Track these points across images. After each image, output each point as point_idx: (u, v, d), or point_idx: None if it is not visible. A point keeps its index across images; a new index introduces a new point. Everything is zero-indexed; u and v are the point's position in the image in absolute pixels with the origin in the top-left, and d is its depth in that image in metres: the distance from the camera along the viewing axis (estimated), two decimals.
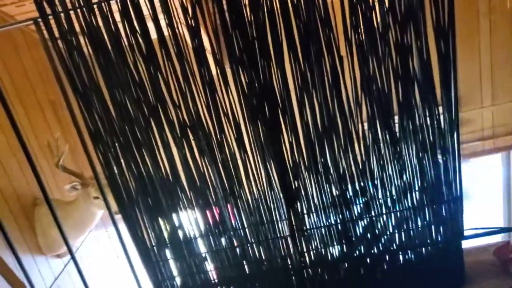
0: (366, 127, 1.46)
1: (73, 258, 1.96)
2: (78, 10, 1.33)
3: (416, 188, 1.56)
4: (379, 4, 1.29)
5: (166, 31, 1.36)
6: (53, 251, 3.18)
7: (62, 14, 1.34)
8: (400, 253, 1.67)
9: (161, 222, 1.64)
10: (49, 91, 3.59)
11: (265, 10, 1.32)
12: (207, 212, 1.64)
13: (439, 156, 1.49)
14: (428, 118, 1.42)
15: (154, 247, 1.68)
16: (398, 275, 1.71)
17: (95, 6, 1.33)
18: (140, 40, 1.37)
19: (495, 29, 4.03)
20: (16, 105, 3.00)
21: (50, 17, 1.34)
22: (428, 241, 1.65)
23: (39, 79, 3.49)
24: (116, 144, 1.50)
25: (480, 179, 4.84)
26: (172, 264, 1.73)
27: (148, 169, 1.54)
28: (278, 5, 1.32)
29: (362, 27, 1.31)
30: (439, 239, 1.65)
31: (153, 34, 1.37)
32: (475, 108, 4.34)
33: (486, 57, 4.16)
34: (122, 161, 1.53)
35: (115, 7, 1.34)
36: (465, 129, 4.40)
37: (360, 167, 1.52)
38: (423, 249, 1.67)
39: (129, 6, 1.33)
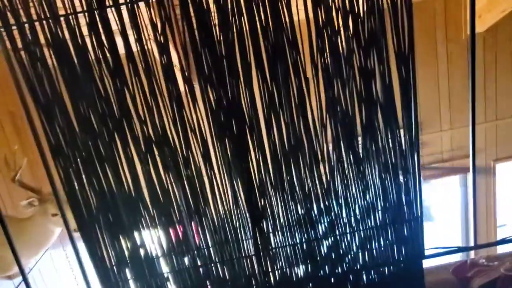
0: (331, 148, 1.50)
1: (25, 280, 1.85)
2: (44, 21, 1.30)
3: (379, 208, 1.59)
4: (344, 29, 1.34)
5: (134, 47, 1.35)
6: (3, 271, 3.00)
7: (26, 25, 1.30)
8: (364, 272, 1.70)
9: (122, 240, 1.59)
10: (9, 102, 3.45)
11: (234, 30, 1.34)
12: (170, 230, 1.61)
13: (401, 177, 1.54)
14: (390, 140, 1.47)
15: (114, 267, 1.62)
16: None
17: (61, 18, 1.31)
18: (108, 54, 1.35)
19: (452, 57, 4.27)
20: None
21: (14, 27, 1.30)
22: (390, 260, 1.68)
23: None
24: (78, 158, 1.45)
25: (440, 200, 5.02)
26: (132, 285, 1.67)
27: (110, 185, 1.49)
28: (247, 26, 1.35)
29: (327, 51, 1.35)
30: (401, 259, 1.68)
31: (121, 49, 1.36)
32: (434, 132, 4.54)
33: (444, 83, 4.38)
34: (83, 176, 1.48)
35: (82, 21, 1.32)
36: (425, 151, 4.58)
37: (325, 186, 1.54)
38: (386, 268, 1.70)
39: (97, 20, 1.31)
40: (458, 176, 4.76)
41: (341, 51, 1.36)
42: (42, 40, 1.33)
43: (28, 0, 1.29)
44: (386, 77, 1.38)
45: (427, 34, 4.11)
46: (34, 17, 1.30)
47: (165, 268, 1.65)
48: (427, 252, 1.73)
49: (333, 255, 1.65)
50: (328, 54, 1.35)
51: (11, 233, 1.78)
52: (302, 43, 1.36)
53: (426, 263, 1.78)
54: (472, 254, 3.90)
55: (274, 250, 1.64)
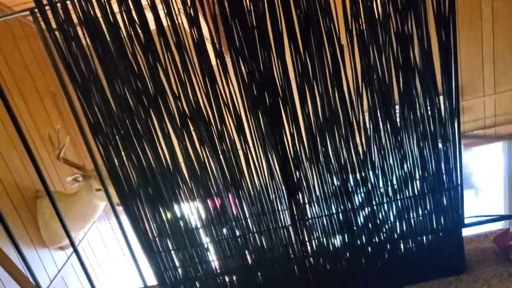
0: (367, 117, 1.46)
1: (75, 250, 1.98)
2: (76, 0, 1.32)
3: (417, 177, 1.56)
4: None
5: (165, 22, 1.35)
6: (56, 243, 3.20)
7: (58, 4, 1.33)
8: (401, 242, 1.68)
9: (162, 213, 1.65)
10: (49, 83, 3.58)
11: None
12: (209, 202, 1.65)
13: (440, 145, 1.49)
14: (429, 107, 1.42)
15: (156, 238, 1.69)
16: (399, 264, 1.72)
17: None
18: (139, 30, 1.36)
19: (497, 18, 4.00)
20: (16, 97, 2.99)
21: (47, 7, 1.33)
22: (429, 229, 1.65)
23: (38, 71, 3.49)
24: (116, 135, 1.50)
25: (482, 167, 4.84)
26: (174, 254, 1.74)
27: (148, 160, 1.54)
28: None
29: (362, 16, 1.29)
30: (440, 228, 1.65)
31: (152, 25, 1.36)
32: (477, 97, 4.32)
33: (488, 46, 4.13)
34: (122, 152, 1.53)
35: None
36: (467, 117, 4.39)
37: (361, 157, 1.52)
38: (424, 237, 1.68)
39: None
40: (501, 143, 4.55)
41: (376, 16, 1.30)
42: (75, 19, 1.35)
43: None
44: (425, 41, 1.32)
45: None
46: None
47: (204, 239, 1.70)
48: (467, 221, 1.69)
49: (370, 225, 1.65)
50: (363, 19, 1.30)
51: (60, 208, 1.89)
52: (336, 9, 1.31)
53: (466, 232, 1.74)
54: None
55: (310, 220, 1.65)
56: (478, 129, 4.44)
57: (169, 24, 1.35)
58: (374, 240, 1.68)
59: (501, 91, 4.27)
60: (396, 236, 1.67)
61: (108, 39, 1.37)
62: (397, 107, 1.43)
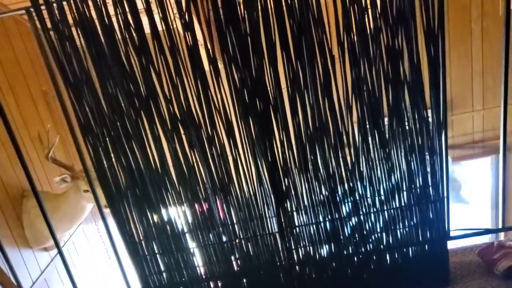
0: (356, 128, 1.48)
1: (60, 252, 1.96)
2: (71, 0, 1.32)
3: (404, 189, 1.58)
4: (371, 7, 1.30)
5: (159, 26, 1.36)
6: (40, 244, 3.16)
7: (55, 4, 1.33)
8: (388, 253, 1.69)
9: (149, 216, 1.64)
10: (42, 82, 3.56)
11: (259, 7, 1.33)
12: (196, 207, 1.65)
13: (427, 157, 1.51)
14: (417, 120, 1.44)
15: (142, 241, 1.68)
16: (384, 275, 1.73)
17: None
18: (133, 33, 1.37)
19: (486, 35, 4.09)
20: (7, 95, 2.97)
21: (43, 7, 1.33)
22: (415, 241, 1.67)
23: (31, 69, 3.47)
24: (106, 136, 1.50)
25: (470, 181, 4.90)
26: (159, 258, 1.73)
27: (137, 163, 1.54)
28: (272, 3, 1.33)
29: (354, 29, 1.32)
30: (426, 239, 1.67)
31: (147, 29, 1.37)
32: (466, 112, 4.40)
33: (477, 62, 4.21)
34: (112, 154, 1.53)
35: (109, 0, 1.34)
36: (456, 132, 4.46)
37: (350, 167, 1.53)
38: (410, 249, 1.70)
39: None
40: (490, 158, 4.62)
41: (368, 29, 1.32)
42: (70, 20, 1.36)
43: None
44: (414, 56, 1.35)
45: (462, 10, 3.94)
46: None
47: (191, 243, 1.70)
48: (452, 233, 1.71)
49: (356, 235, 1.66)
50: (354, 32, 1.32)
51: (46, 208, 1.87)
52: (328, 20, 1.33)
53: (452, 245, 1.76)
54: (502, 237, 3.82)
55: (297, 228, 1.66)
56: (467, 143, 4.51)
57: (164, 28, 1.37)
58: (360, 251, 1.69)
59: (490, 107, 4.35)
60: (382, 247, 1.68)
61: (103, 40, 1.37)
62: (386, 119, 1.46)
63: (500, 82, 1.44)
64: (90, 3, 1.33)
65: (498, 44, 4.08)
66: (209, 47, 1.38)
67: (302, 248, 1.71)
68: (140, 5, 1.34)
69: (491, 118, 4.39)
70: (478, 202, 4.95)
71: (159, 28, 1.37)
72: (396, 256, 1.71)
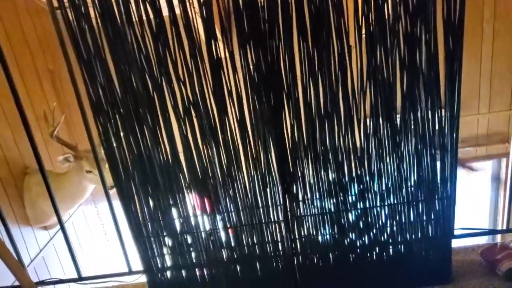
0: (368, 116, 1.47)
1: (62, 228, 1.96)
2: None
3: (412, 182, 1.57)
4: None
5: (177, 9, 1.35)
6: (41, 222, 3.17)
7: None
8: (391, 246, 1.70)
9: (155, 198, 1.64)
10: (49, 61, 3.54)
11: None
12: (203, 193, 1.64)
13: (437, 153, 1.50)
14: (430, 113, 1.43)
15: (148, 223, 1.68)
16: (386, 266, 1.73)
17: None
18: (150, 13, 1.35)
19: (497, 37, 4.06)
20: (14, 73, 2.95)
21: None
22: (419, 236, 1.67)
23: (39, 48, 3.45)
24: (117, 116, 1.49)
25: (469, 183, 4.90)
26: (163, 241, 1.73)
27: (147, 144, 1.53)
28: None
29: (373, 16, 1.30)
30: (430, 235, 1.67)
31: (165, 11, 1.35)
32: (471, 114, 4.38)
33: (486, 64, 4.19)
34: (121, 133, 1.52)
35: None
36: (460, 133, 4.44)
37: (359, 155, 1.53)
38: (413, 244, 1.70)
39: None
40: (491, 162, 4.62)
41: (386, 17, 1.31)
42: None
43: None
44: (432, 46, 1.33)
45: (474, 10, 3.91)
46: None
47: (195, 228, 1.70)
48: (456, 232, 1.71)
49: (361, 225, 1.66)
50: (373, 19, 1.31)
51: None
52: (347, 7, 1.32)
53: (455, 244, 1.76)
54: (500, 238, 3.82)
55: (303, 217, 1.66)
56: (470, 146, 4.50)
57: (181, 10, 1.35)
58: (364, 241, 1.69)
59: (496, 110, 4.33)
60: (386, 239, 1.68)
61: (118, 18, 1.36)
62: (398, 109, 1.44)
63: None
64: None
65: (509, 47, 4.06)
66: (227, 32, 1.37)
67: (306, 237, 1.71)
68: None
69: (496, 122, 4.37)
70: (476, 206, 4.96)
71: (177, 11, 1.35)
72: (400, 249, 1.71)
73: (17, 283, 1.80)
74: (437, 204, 1.61)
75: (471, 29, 4.00)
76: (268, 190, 1.61)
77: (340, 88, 1.40)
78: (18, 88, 2.85)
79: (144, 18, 1.35)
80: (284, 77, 1.41)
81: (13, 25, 3.11)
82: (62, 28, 1.44)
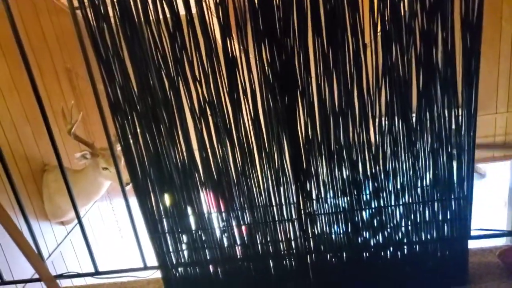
0: (383, 114, 1.46)
1: (80, 222, 2.00)
2: None
3: (427, 182, 1.56)
4: None
5: (194, 9, 1.36)
6: (58, 217, 3.24)
7: None
8: (405, 245, 1.68)
9: (171, 195, 1.66)
10: (66, 59, 3.61)
11: None
12: (217, 190, 1.66)
13: (454, 152, 1.49)
14: (446, 112, 1.42)
15: (163, 219, 1.70)
16: (400, 266, 1.72)
17: None
18: (167, 12, 1.37)
19: None
20: (33, 69, 3.02)
21: None
22: (435, 236, 1.66)
23: (57, 47, 3.51)
24: (134, 114, 1.52)
25: (488, 184, 4.83)
26: (178, 237, 1.76)
27: (163, 142, 1.55)
28: None
29: (389, 13, 1.29)
30: (446, 236, 1.65)
31: (181, 10, 1.37)
32: (489, 114, 4.31)
33: (505, 63, 4.11)
34: (138, 130, 1.54)
35: None
36: (478, 133, 4.37)
37: (373, 153, 1.52)
38: (429, 244, 1.68)
39: None
40: (510, 162, 4.53)
41: (402, 15, 1.30)
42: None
43: None
44: (449, 45, 1.32)
45: (493, 8, 3.84)
46: None
47: (210, 225, 1.72)
48: (473, 233, 1.69)
49: (375, 224, 1.65)
50: (389, 17, 1.30)
51: (64, 183, 1.90)
52: (363, 4, 1.31)
53: (471, 245, 1.74)
54: None
55: (316, 215, 1.66)
56: (487, 146, 4.43)
57: (198, 10, 1.36)
58: (378, 240, 1.68)
59: None
60: (400, 238, 1.68)
61: (136, 19, 1.38)
62: (414, 108, 1.43)
63: None
64: None
65: None
66: (242, 31, 1.38)
67: (320, 235, 1.71)
68: None
69: None
70: (494, 206, 4.88)
71: (193, 11, 1.36)
72: (414, 249, 1.69)
73: (36, 276, 1.85)
74: (453, 204, 1.59)
75: (489, 27, 3.93)
76: (281, 188, 1.62)
77: (355, 86, 1.40)
78: (38, 85, 2.93)
79: (161, 17, 1.37)
80: (298, 75, 1.41)
81: (33, 24, 3.18)
82: (81, 28, 1.47)
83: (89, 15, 1.38)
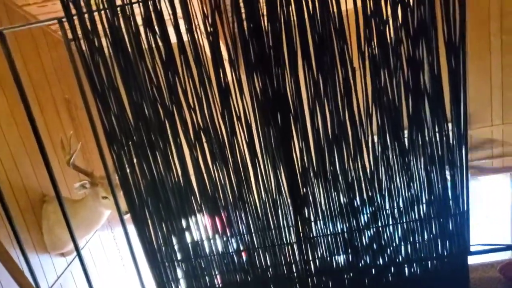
0: (375, 138, 1.48)
1: (79, 255, 1.99)
2: (102, 11, 1.37)
3: (423, 201, 1.57)
4: (392, 19, 1.32)
5: (185, 37, 1.40)
6: (58, 249, 3.21)
7: (86, 15, 1.38)
8: (406, 265, 1.68)
9: (169, 223, 1.66)
10: (64, 90, 3.66)
11: (282, 20, 1.36)
12: (215, 216, 1.66)
13: (447, 170, 1.51)
14: (437, 132, 1.44)
15: (162, 248, 1.70)
16: (403, 286, 1.71)
17: (118, 8, 1.38)
18: (160, 44, 1.41)
19: (506, 49, 4.05)
20: (32, 102, 3.05)
21: (75, 17, 1.39)
22: (434, 254, 1.65)
23: (55, 78, 3.57)
24: (130, 143, 1.54)
25: (489, 197, 4.81)
26: (177, 265, 1.75)
27: (159, 170, 1.57)
28: (294, 16, 1.36)
29: (375, 40, 1.34)
30: (445, 253, 1.65)
31: (173, 39, 1.41)
32: (485, 126, 4.34)
33: (497, 76, 4.17)
34: (134, 160, 1.56)
35: (137, 10, 1.38)
36: (474, 145, 4.39)
37: (369, 176, 1.54)
38: (429, 262, 1.68)
39: (151, 10, 1.37)
40: (510, 174, 4.54)
41: (389, 40, 1.34)
42: (100, 29, 1.41)
43: None
44: (435, 68, 1.35)
45: (480, 25, 3.92)
46: (93, 7, 1.38)
47: (209, 251, 1.71)
48: (473, 248, 1.68)
49: (374, 246, 1.65)
50: (375, 44, 1.34)
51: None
52: (350, 32, 1.35)
53: (472, 260, 1.73)
54: None
55: (315, 238, 1.66)
56: (486, 158, 4.44)
57: (189, 39, 1.40)
58: (378, 262, 1.68)
59: (509, 121, 4.29)
60: (400, 259, 1.67)
61: (130, 50, 1.42)
62: (405, 129, 1.46)
63: None
64: (119, 13, 1.38)
65: None
66: (233, 58, 1.41)
67: (319, 258, 1.70)
68: (166, 15, 1.39)
69: (510, 133, 4.32)
70: (497, 218, 4.85)
71: (185, 39, 1.40)
72: (415, 268, 1.69)
73: None
74: (450, 221, 1.60)
75: (477, 43, 4.00)
76: (279, 211, 1.63)
77: (346, 110, 1.42)
78: (36, 116, 2.95)
79: (154, 46, 1.41)
80: (290, 102, 1.44)
81: (32, 57, 3.24)
82: (77, 59, 1.50)
83: (84, 47, 1.42)
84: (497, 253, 1.84)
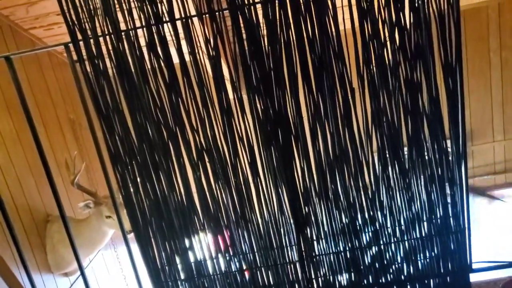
0: (376, 158, 1.51)
1: (82, 274, 2.00)
2: (107, 36, 1.42)
3: (424, 219, 1.58)
4: (390, 42, 1.36)
5: (188, 59, 1.44)
6: (61, 269, 3.21)
7: (91, 40, 1.43)
8: (408, 284, 1.68)
9: (172, 242, 1.68)
10: (69, 110, 3.71)
11: (282, 43, 1.40)
12: (218, 235, 1.68)
13: (447, 188, 1.52)
14: (436, 151, 1.46)
15: (165, 267, 1.71)
16: None
17: (123, 33, 1.42)
18: (163, 66, 1.45)
19: (506, 66, 4.10)
20: (37, 123, 3.10)
21: (81, 42, 1.43)
22: (436, 272, 1.65)
23: (60, 98, 3.62)
24: (134, 165, 1.56)
25: (490, 213, 4.78)
26: (181, 285, 1.75)
27: (163, 190, 1.59)
28: (294, 38, 1.40)
29: (373, 63, 1.37)
30: (447, 271, 1.65)
31: (175, 59, 1.45)
32: (487, 142, 4.35)
33: (497, 92, 4.21)
34: (138, 181, 1.58)
35: (141, 34, 1.43)
36: (477, 162, 4.40)
37: (370, 196, 1.55)
38: (431, 280, 1.68)
39: (154, 34, 1.42)
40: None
41: (387, 63, 1.38)
42: (105, 53, 1.45)
43: (94, 18, 1.42)
44: (433, 89, 1.38)
45: (480, 42, 3.98)
46: (99, 32, 1.43)
47: (212, 271, 1.72)
48: (475, 266, 1.68)
49: (377, 264, 1.65)
50: (374, 66, 1.37)
51: (68, 233, 1.92)
52: (348, 54, 1.39)
53: (474, 277, 1.73)
54: None
55: (317, 257, 1.67)
56: (488, 174, 4.44)
57: (192, 62, 1.44)
58: (380, 280, 1.68)
59: (511, 137, 4.30)
60: (403, 277, 1.67)
61: (134, 73, 1.46)
62: (405, 149, 1.48)
63: None
64: (124, 38, 1.42)
65: None
66: (234, 80, 1.45)
67: (322, 277, 1.71)
68: (169, 37, 1.43)
69: None
70: (500, 235, 4.81)
71: (187, 59, 1.45)
72: (418, 287, 1.69)
73: None
74: (451, 239, 1.60)
75: (478, 59, 4.05)
76: (282, 230, 1.64)
77: (346, 131, 1.45)
78: (41, 137, 2.99)
79: (157, 67, 1.45)
80: (291, 122, 1.47)
81: (37, 79, 3.30)
82: (81, 80, 1.54)
83: (88, 68, 1.46)
84: (500, 270, 1.84)
